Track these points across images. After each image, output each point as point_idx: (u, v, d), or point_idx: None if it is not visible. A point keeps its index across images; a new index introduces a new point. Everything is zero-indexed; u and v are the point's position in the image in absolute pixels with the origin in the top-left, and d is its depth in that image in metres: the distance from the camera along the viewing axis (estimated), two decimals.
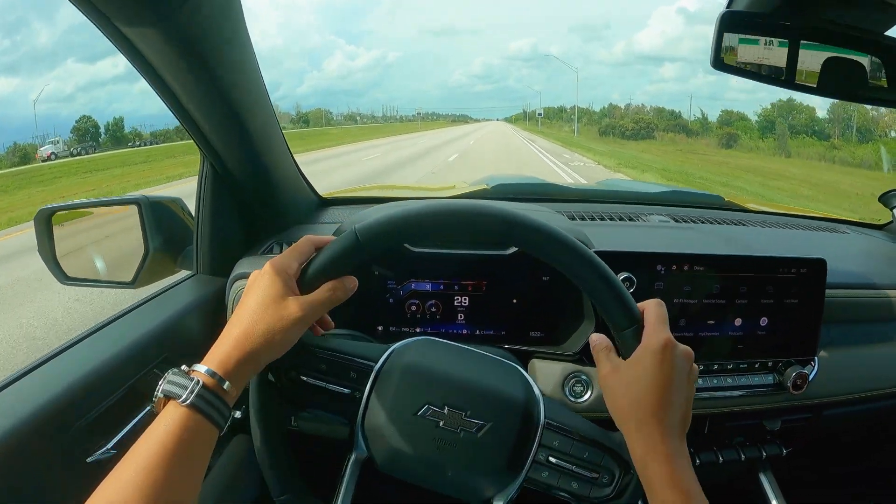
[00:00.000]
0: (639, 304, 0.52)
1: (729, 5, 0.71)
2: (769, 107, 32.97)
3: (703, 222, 0.94)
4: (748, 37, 0.68)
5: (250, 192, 0.85)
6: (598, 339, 0.55)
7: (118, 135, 34.02)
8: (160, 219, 0.83)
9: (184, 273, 0.87)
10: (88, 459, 0.61)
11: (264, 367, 0.51)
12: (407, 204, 0.52)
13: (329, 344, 0.56)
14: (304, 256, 0.52)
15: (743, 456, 0.86)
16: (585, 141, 31.40)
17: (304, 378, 0.55)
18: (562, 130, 48.49)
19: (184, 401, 0.44)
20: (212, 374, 0.46)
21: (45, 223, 0.85)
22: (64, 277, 0.85)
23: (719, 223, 0.94)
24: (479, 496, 0.55)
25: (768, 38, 0.70)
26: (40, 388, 0.60)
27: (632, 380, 0.50)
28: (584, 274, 0.51)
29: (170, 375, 0.46)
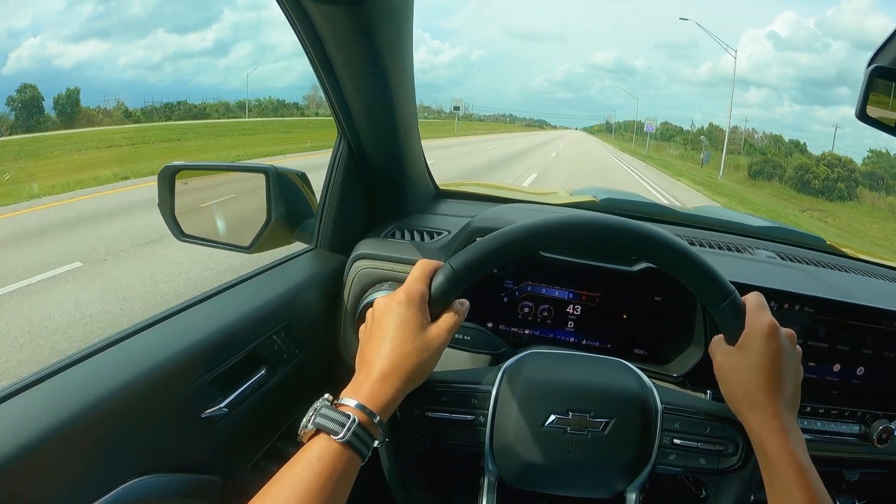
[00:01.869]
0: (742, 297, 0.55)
1: (873, 60, 0.74)
2: None
3: (807, 263, 0.95)
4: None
5: (381, 176, 0.87)
6: (717, 338, 0.58)
7: (69, 111, 22.31)
8: (284, 190, 0.85)
9: (298, 246, 0.89)
10: (202, 415, 0.63)
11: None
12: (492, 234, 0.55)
13: (446, 377, 0.59)
14: (429, 280, 0.54)
15: None
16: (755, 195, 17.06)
17: (429, 414, 0.56)
18: (665, 154, 33.27)
19: (341, 438, 0.45)
20: (363, 408, 0.47)
21: (169, 180, 0.87)
22: (181, 234, 0.87)
23: (822, 266, 0.95)
24: (613, 490, 0.57)
25: None
26: (168, 342, 0.61)
27: (740, 363, 0.53)
28: (674, 259, 0.54)
29: (322, 409, 0.47)
